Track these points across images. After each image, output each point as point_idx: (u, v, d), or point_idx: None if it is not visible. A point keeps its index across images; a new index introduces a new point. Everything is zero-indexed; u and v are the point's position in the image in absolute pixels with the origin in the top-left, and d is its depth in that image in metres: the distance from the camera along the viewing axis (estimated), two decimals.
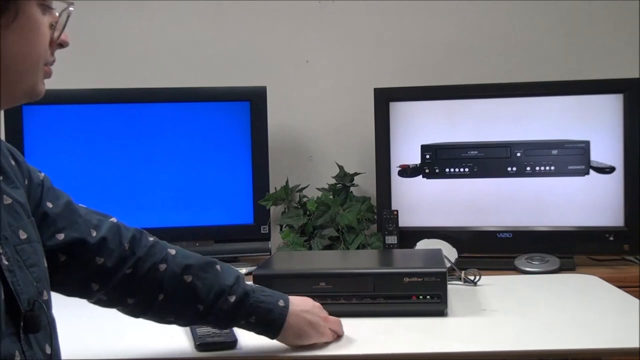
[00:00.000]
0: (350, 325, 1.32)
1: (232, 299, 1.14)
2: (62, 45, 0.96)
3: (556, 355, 1.25)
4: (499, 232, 2.13)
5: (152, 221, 2.17)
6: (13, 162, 1.00)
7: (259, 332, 1.18)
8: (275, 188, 2.24)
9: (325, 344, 1.21)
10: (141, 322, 1.18)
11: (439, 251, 1.66)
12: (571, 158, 2.09)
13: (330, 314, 1.27)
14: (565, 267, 1.97)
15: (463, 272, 1.72)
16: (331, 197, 2.21)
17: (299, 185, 2.30)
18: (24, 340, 0.86)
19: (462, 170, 2.15)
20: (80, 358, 1.18)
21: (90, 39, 2.39)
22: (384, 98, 2.17)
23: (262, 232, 2.22)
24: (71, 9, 0.94)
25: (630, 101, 2.04)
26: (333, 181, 2.27)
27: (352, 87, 2.41)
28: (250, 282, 1.22)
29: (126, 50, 2.41)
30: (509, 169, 2.12)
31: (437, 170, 2.16)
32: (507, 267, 1.99)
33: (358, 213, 2.15)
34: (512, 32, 2.40)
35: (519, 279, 1.87)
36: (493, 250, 2.12)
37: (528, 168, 2.11)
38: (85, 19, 2.38)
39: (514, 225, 2.12)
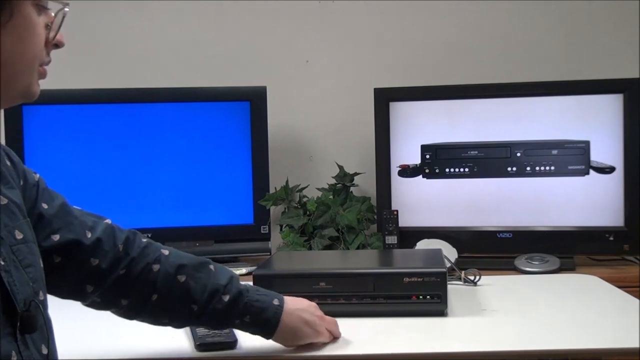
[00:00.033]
0: (350, 325, 1.32)
1: (226, 298, 1.14)
2: (58, 45, 0.95)
3: (556, 355, 1.25)
4: (499, 232, 2.13)
5: (152, 221, 2.18)
6: (8, 163, 1.00)
7: (254, 332, 1.17)
8: (275, 188, 2.24)
9: (323, 345, 1.21)
10: (140, 322, 1.17)
11: (439, 251, 1.66)
12: (571, 158, 2.09)
13: (330, 314, 1.27)
14: (565, 267, 1.97)
15: (463, 272, 1.72)
16: (331, 197, 2.21)
17: (299, 185, 2.30)
18: (21, 341, 0.86)
19: (462, 170, 2.15)
20: (80, 358, 1.18)
21: (90, 39, 2.39)
22: (384, 98, 2.17)
23: (262, 232, 2.22)
24: (66, 9, 0.94)
25: (630, 101, 2.04)
26: (333, 181, 2.27)
27: (352, 87, 2.41)
28: (245, 282, 1.22)
29: (126, 50, 2.41)
30: (509, 169, 2.12)
31: (437, 170, 2.16)
32: (507, 267, 1.99)
33: (358, 213, 2.15)
34: (512, 32, 2.40)
35: (519, 279, 1.87)
36: (493, 250, 2.12)
37: (528, 168, 2.11)
38: (85, 19, 2.39)
39: (514, 225, 2.12)
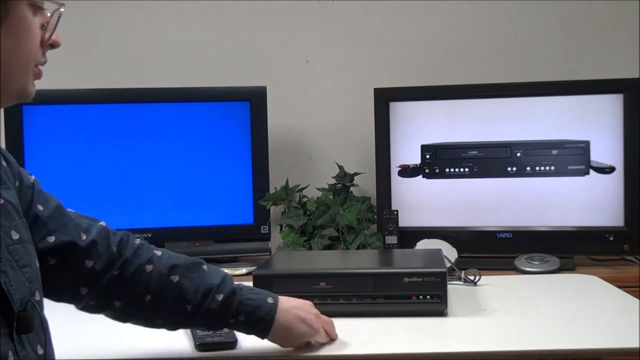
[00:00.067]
0: (350, 325, 1.32)
1: (220, 297, 1.13)
2: (54, 46, 0.95)
3: (556, 355, 1.24)
4: (499, 232, 2.13)
5: (152, 221, 2.18)
6: (4, 164, 1.00)
7: (249, 331, 1.16)
8: (275, 188, 2.24)
9: (321, 346, 1.21)
10: (135, 325, 1.17)
11: (439, 251, 1.66)
12: (571, 158, 2.09)
13: (330, 314, 1.27)
14: (565, 267, 1.97)
15: (463, 272, 1.72)
16: (331, 197, 2.21)
17: (299, 185, 2.30)
18: (17, 341, 0.86)
19: (462, 170, 2.15)
20: (81, 358, 1.18)
21: (91, 39, 2.40)
22: (384, 98, 2.17)
23: (262, 232, 2.22)
24: (62, 9, 0.93)
25: (630, 101, 2.04)
26: (333, 181, 2.27)
27: (352, 87, 2.41)
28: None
29: (126, 50, 2.41)
30: (509, 169, 2.12)
31: (437, 170, 2.16)
32: (507, 267, 1.99)
33: (358, 213, 2.15)
34: (512, 32, 2.40)
35: (519, 279, 1.87)
36: (493, 250, 2.12)
37: (528, 168, 2.11)
38: (85, 19, 2.38)
39: (514, 225, 2.12)
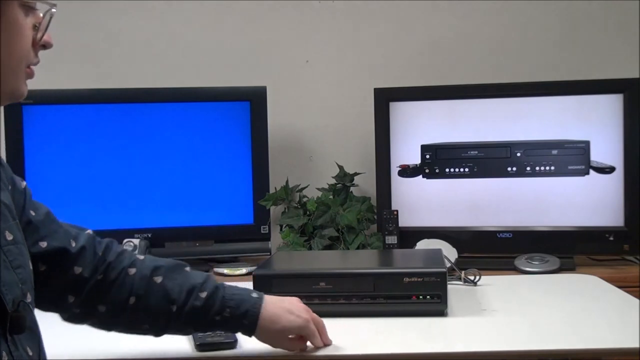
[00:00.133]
0: (350, 325, 1.32)
1: (204, 294, 1.12)
2: (45, 46, 0.95)
3: (556, 355, 1.25)
4: (499, 232, 2.13)
5: (152, 221, 2.18)
6: None
7: (235, 328, 1.14)
8: (275, 188, 2.24)
9: (316, 349, 1.20)
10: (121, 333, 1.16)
11: (439, 251, 1.66)
12: (571, 158, 2.09)
13: (330, 314, 1.27)
14: (565, 267, 1.97)
15: (463, 272, 1.72)
16: (331, 197, 2.21)
17: (299, 185, 2.30)
18: (10, 341, 0.86)
19: (462, 170, 2.15)
20: (81, 358, 1.18)
21: (91, 39, 2.40)
22: (384, 98, 2.17)
23: (262, 232, 2.22)
24: (54, 10, 0.93)
25: (630, 101, 2.04)
26: (333, 181, 2.27)
27: (352, 87, 2.41)
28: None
29: (126, 50, 2.41)
30: (509, 169, 2.12)
31: (437, 170, 2.16)
32: (507, 267, 1.99)
33: (358, 213, 2.15)
34: (512, 32, 2.40)
35: (519, 279, 1.87)
36: (493, 250, 2.12)
37: (528, 168, 2.11)
38: (85, 19, 2.38)
39: (514, 225, 2.12)
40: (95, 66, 2.39)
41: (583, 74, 2.20)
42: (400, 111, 2.18)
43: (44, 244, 1.05)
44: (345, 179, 2.25)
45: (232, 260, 2.21)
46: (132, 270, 1.12)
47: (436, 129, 2.16)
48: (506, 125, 2.12)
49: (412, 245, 2.02)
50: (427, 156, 2.16)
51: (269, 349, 1.18)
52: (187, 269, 1.17)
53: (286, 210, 2.24)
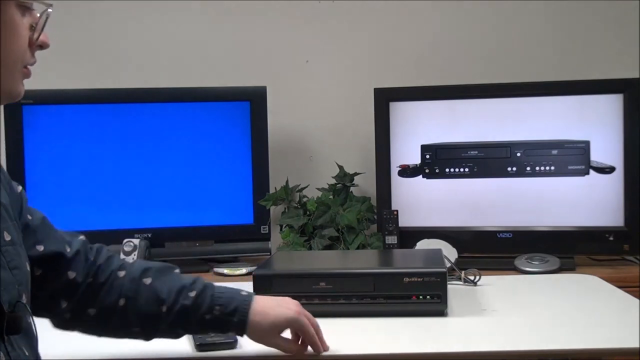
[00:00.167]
0: (350, 325, 1.32)
1: (193, 293, 1.11)
2: (42, 46, 0.95)
3: (556, 355, 1.25)
4: (499, 232, 2.13)
5: (153, 221, 2.18)
6: None
7: (225, 327, 1.12)
8: (275, 188, 2.24)
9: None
10: (112, 338, 1.15)
11: (439, 251, 1.67)
12: (571, 158, 2.09)
13: (330, 314, 1.27)
14: (565, 267, 1.97)
15: (463, 272, 1.72)
16: (331, 197, 2.21)
17: (299, 185, 2.30)
18: (7, 342, 0.86)
19: (462, 170, 2.15)
20: (81, 358, 1.18)
21: (90, 39, 2.40)
22: (384, 98, 2.17)
23: (262, 232, 2.22)
24: (50, 10, 0.93)
25: (630, 101, 2.04)
26: (333, 181, 2.27)
27: (352, 87, 2.41)
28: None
29: (126, 50, 2.41)
30: (509, 169, 2.12)
31: (437, 170, 2.16)
32: (507, 267, 1.99)
33: (358, 213, 2.15)
34: (512, 32, 2.40)
35: (519, 279, 1.87)
36: (493, 250, 2.12)
37: (528, 168, 2.11)
38: (85, 19, 2.39)
39: (514, 225, 2.12)
40: (95, 66, 2.39)
41: (583, 74, 2.20)
42: (400, 111, 2.18)
43: (40, 248, 1.05)
44: (345, 179, 2.25)
45: (232, 260, 2.21)
46: (122, 273, 1.12)
47: (436, 129, 2.16)
48: (506, 125, 2.12)
49: (412, 245, 2.02)
50: (427, 156, 2.16)
51: (269, 349, 1.18)
52: (177, 271, 1.16)
53: (286, 210, 2.24)
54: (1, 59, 0.88)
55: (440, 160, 2.16)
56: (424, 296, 1.39)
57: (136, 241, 2.05)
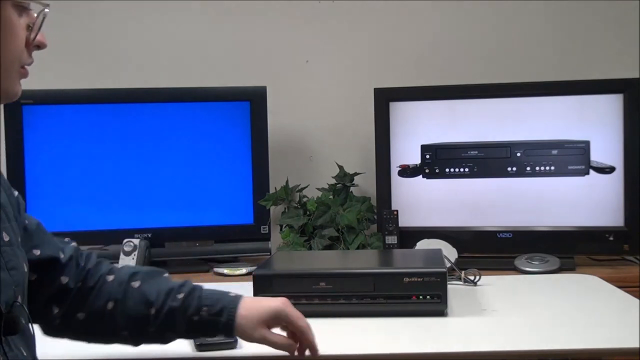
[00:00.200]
0: (350, 325, 1.32)
1: (181, 295, 1.10)
2: (40, 46, 0.95)
3: (556, 355, 1.25)
4: (499, 232, 2.13)
5: (153, 221, 2.18)
6: None
7: (213, 328, 1.09)
8: (275, 188, 2.24)
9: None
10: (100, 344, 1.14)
11: (439, 251, 1.67)
12: (571, 158, 2.09)
13: (330, 314, 1.27)
14: (565, 267, 1.97)
15: (463, 272, 1.72)
16: (331, 197, 2.21)
17: (299, 185, 2.30)
18: (5, 342, 0.86)
19: (462, 170, 2.15)
20: (80, 358, 1.18)
21: (90, 39, 2.40)
22: (384, 98, 2.17)
23: (262, 232, 2.22)
24: (47, 10, 0.93)
25: (630, 101, 2.04)
26: (333, 181, 2.27)
27: (352, 87, 2.41)
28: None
29: (126, 50, 2.41)
30: (509, 169, 2.12)
31: (437, 170, 2.16)
32: (507, 267, 1.99)
33: (358, 213, 2.15)
34: (512, 32, 2.40)
35: (519, 279, 1.87)
36: (493, 250, 2.12)
37: (528, 168, 2.11)
38: (85, 19, 2.39)
39: (514, 225, 2.12)
40: (95, 66, 2.39)
41: (583, 74, 2.20)
42: (400, 111, 2.18)
43: (37, 252, 1.05)
44: (345, 179, 2.25)
45: (232, 260, 2.21)
46: (110, 277, 1.12)
47: (436, 129, 2.16)
48: (506, 125, 2.12)
49: (412, 245, 2.02)
50: (427, 156, 2.16)
51: (269, 349, 1.18)
52: (166, 275, 1.15)
53: (286, 210, 2.24)
54: None
55: (440, 160, 2.16)
56: (424, 296, 1.39)
57: (136, 241, 2.05)
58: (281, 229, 2.21)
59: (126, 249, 2.04)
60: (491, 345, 1.22)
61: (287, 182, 2.25)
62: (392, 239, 2.05)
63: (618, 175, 2.06)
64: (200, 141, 2.20)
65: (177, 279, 1.15)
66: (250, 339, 1.10)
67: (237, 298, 1.11)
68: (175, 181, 2.19)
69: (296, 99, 2.42)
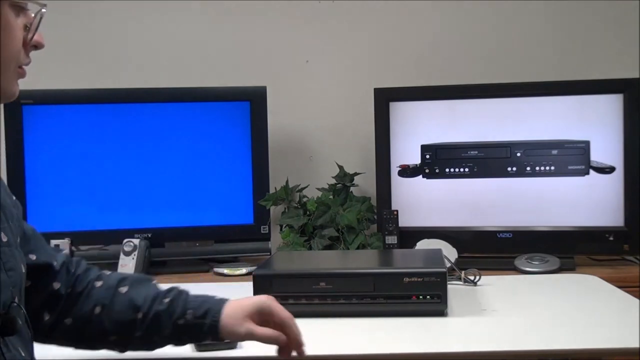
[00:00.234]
0: (350, 325, 1.32)
1: (167, 300, 1.09)
2: (37, 46, 0.95)
3: (556, 355, 1.25)
4: (499, 232, 2.13)
5: (153, 221, 2.18)
6: None
7: (199, 332, 1.08)
8: (275, 188, 2.24)
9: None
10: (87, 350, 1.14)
11: (439, 251, 1.67)
12: (571, 158, 2.09)
13: (330, 314, 1.27)
14: (565, 267, 1.96)
15: (463, 272, 1.72)
16: (331, 197, 2.21)
17: (299, 185, 2.30)
18: (2, 343, 0.86)
19: (462, 170, 2.15)
20: (77, 358, 1.18)
21: (90, 39, 2.40)
22: (384, 98, 2.17)
23: (262, 232, 2.22)
24: (44, 10, 0.93)
25: (630, 101, 2.04)
26: (333, 181, 2.27)
27: (352, 87, 2.41)
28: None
29: (126, 50, 2.41)
30: (509, 169, 2.12)
31: (437, 170, 2.16)
32: (507, 267, 1.99)
33: (358, 213, 2.15)
34: (512, 32, 2.40)
35: (519, 279, 1.87)
36: (493, 250, 2.12)
37: (528, 168, 2.11)
38: (85, 19, 2.39)
39: (514, 225, 2.12)
40: (95, 66, 2.39)
41: (583, 74, 2.20)
42: (400, 111, 2.18)
43: (33, 257, 1.05)
44: (345, 179, 2.25)
45: (232, 260, 2.21)
46: (99, 283, 1.12)
47: (436, 129, 2.16)
48: (506, 125, 2.12)
49: (412, 245, 2.02)
50: (427, 156, 2.16)
51: (269, 350, 1.18)
52: (154, 282, 1.15)
53: (286, 210, 2.24)
54: None
55: (440, 160, 2.16)
56: (424, 296, 1.39)
57: (136, 241, 2.05)
58: (281, 229, 2.21)
59: (126, 249, 2.04)
60: (491, 345, 1.22)
61: (287, 182, 2.25)
62: (392, 239, 2.05)
63: (618, 175, 2.06)
64: (200, 141, 2.20)
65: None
66: (237, 336, 1.09)
67: (222, 301, 1.10)
68: (175, 181, 2.19)
69: (296, 99, 2.42)
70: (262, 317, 1.09)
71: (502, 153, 2.12)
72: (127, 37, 2.41)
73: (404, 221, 2.10)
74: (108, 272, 1.15)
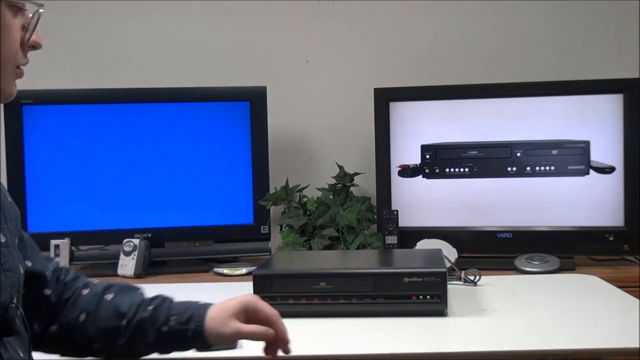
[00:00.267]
0: (350, 325, 1.32)
1: (151, 307, 1.08)
2: (35, 47, 0.95)
3: (556, 355, 1.25)
4: (499, 232, 2.13)
5: (153, 221, 2.18)
6: None
7: (183, 338, 1.06)
8: (275, 188, 2.24)
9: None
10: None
11: (439, 251, 1.67)
12: (571, 158, 2.09)
13: (330, 314, 1.27)
14: (565, 267, 1.96)
15: (463, 272, 1.72)
16: (331, 197, 2.21)
17: (299, 185, 2.30)
18: (1, 344, 0.86)
19: (462, 170, 2.15)
20: (80, 358, 1.18)
21: (90, 39, 2.40)
22: (384, 98, 2.17)
23: (262, 232, 2.22)
24: (41, 10, 0.93)
25: (630, 101, 2.04)
26: (333, 181, 2.27)
27: (352, 87, 2.41)
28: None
29: (126, 50, 2.41)
30: (509, 169, 2.12)
31: (437, 170, 2.16)
32: (507, 267, 1.99)
33: (358, 213, 2.15)
34: (512, 32, 2.40)
35: (519, 279, 1.87)
36: (493, 250, 2.12)
37: (528, 168, 2.11)
38: (85, 19, 2.39)
39: (514, 225, 2.12)
40: (95, 66, 2.39)
41: (583, 74, 2.20)
42: (400, 111, 2.18)
43: (29, 263, 1.05)
44: (345, 179, 2.25)
45: (232, 260, 2.21)
46: (85, 291, 1.11)
47: (436, 129, 2.16)
48: (506, 125, 2.12)
49: (412, 245, 2.02)
50: (427, 156, 2.16)
51: None
52: (140, 290, 1.14)
53: (286, 210, 2.24)
54: None
55: (440, 160, 2.16)
56: (424, 296, 1.39)
57: (136, 241, 2.05)
58: (281, 229, 2.21)
59: (126, 249, 2.04)
60: (491, 345, 1.22)
61: (287, 182, 2.25)
62: (392, 239, 2.05)
63: (618, 175, 2.06)
64: (200, 141, 2.20)
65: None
66: (224, 337, 1.07)
67: (206, 305, 1.09)
68: (175, 181, 2.19)
69: (296, 99, 2.42)
70: (248, 315, 1.08)
71: (502, 153, 2.12)
72: (127, 37, 2.41)
73: (404, 221, 2.10)
74: (96, 281, 1.14)
